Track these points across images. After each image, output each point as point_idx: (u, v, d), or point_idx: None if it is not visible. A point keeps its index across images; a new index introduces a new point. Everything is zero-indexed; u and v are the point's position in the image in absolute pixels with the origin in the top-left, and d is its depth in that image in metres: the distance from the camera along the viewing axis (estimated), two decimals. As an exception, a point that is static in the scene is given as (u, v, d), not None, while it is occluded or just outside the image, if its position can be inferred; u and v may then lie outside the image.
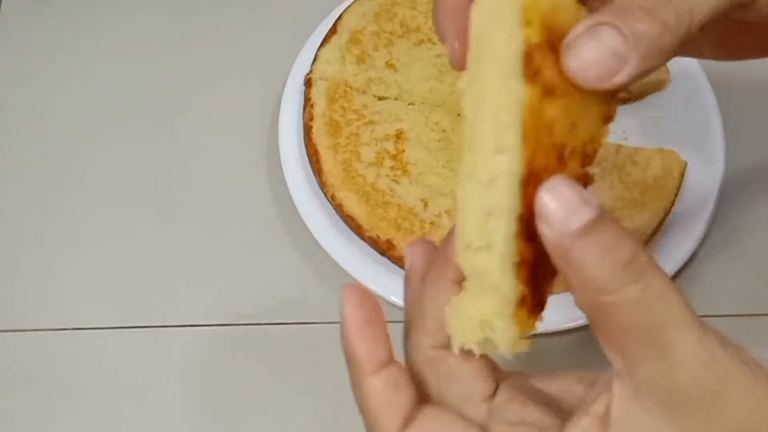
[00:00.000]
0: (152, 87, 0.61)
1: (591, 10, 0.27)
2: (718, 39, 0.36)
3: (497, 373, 0.30)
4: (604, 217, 0.24)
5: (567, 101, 0.26)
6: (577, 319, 0.47)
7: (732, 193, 0.55)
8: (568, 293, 0.26)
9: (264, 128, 0.59)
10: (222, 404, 0.50)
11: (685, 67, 0.57)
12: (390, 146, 0.54)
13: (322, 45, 0.58)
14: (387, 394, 0.28)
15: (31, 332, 0.52)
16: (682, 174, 0.53)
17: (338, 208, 0.52)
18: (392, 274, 0.51)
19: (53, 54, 0.63)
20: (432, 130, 0.55)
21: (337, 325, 0.53)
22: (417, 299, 0.30)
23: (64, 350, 0.52)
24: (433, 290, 0.29)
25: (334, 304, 0.52)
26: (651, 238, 0.51)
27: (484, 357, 0.29)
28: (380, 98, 0.56)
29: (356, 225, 0.52)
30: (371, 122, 0.55)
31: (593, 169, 0.27)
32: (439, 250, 0.30)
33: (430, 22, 0.59)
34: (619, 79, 0.25)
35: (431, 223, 0.52)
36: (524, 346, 0.27)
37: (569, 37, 0.25)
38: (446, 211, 0.52)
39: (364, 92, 0.57)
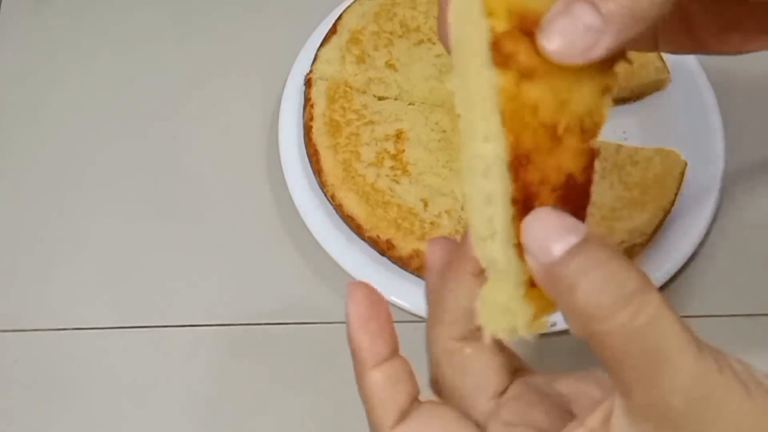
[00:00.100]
0: (152, 87, 0.61)
1: None
2: (722, 27, 0.36)
3: (520, 372, 0.30)
4: (589, 242, 0.24)
5: (552, 80, 0.26)
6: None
7: (732, 192, 0.55)
8: None
9: (264, 128, 0.59)
10: (221, 404, 0.50)
11: (685, 67, 0.57)
12: (390, 146, 0.54)
13: (322, 45, 0.58)
14: (386, 387, 0.28)
15: (31, 332, 0.53)
16: (682, 174, 0.53)
17: (338, 208, 0.52)
18: (392, 274, 0.51)
19: (53, 54, 0.63)
20: (432, 130, 0.55)
21: (338, 325, 0.53)
22: (436, 293, 0.30)
23: (64, 350, 0.52)
24: (450, 284, 0.29)
25: (334, 304, 0.52)
26: (651, 238, 0.51)
27: (502, 354, 0.29)
28: (380, 98, 0.56)
29: (356, 225, 0.52)
30: (371, 122, 0.55)
31: (596, 143, 0.27)
32: (458, 246, 0.30)
33: (430, 22, 0.59)
34: (597, 52, 0.25)
35: (431, 223, 0.52)
36: (543, 327, 0.28)
37: (544, 19, 0.26)
38: (446, 211, 0.52)
39: (364, 92, 0.57)
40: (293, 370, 0.51)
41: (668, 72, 0.57)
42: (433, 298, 0.31)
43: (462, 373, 0.29)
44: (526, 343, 0.27)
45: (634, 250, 0.50)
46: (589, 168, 0.27)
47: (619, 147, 0.54)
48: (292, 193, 0.54)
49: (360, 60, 0.58)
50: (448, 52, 0.31)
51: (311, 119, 0.55)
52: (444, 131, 0.55)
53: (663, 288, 0.51)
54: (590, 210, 0.27)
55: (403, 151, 0.54)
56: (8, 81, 0.62)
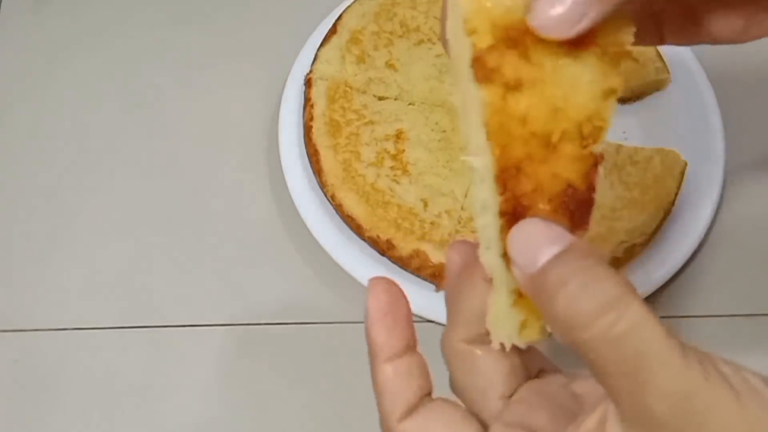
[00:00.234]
0: (152, 87, 0.61)
1: None
2: (725, 13, 0.36)
3: (543, 372, 0.31)
4: (571, 251, 0.25)
5: (544, 88, 0.26)
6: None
7: (732, 192, 0.55)
8: None
9: (264, 128, 0.59)
10: (222, 404, 0.50)
11: (685, 67, 0.57)
12: (390, 146, 0.54)
13: (322, 45, 0.58)
14: (396, 381, 0.28)
15: (31, 332, 0.52)
16: (682, 174, 0.53)
17: (338, 208, 0.52)
18: (392, 274, 0.51)
19: (53, 54, 0.63)
20: (432, 130, 0.55)
21: (338, 325, 0.54)
22: (452, 296, 0.31)
23: (64, 350, 0.52)
24: (465, 288, 0.30)
25: (334, 304, 0.52)
26: (651, 238, 0.51)
27: (514, 356, 0.30)
28: (380, 98, 0.56)
29: (356, 225, 0.52)
30: (371, 122, 0.55)
31: (599, 148, 0.27)
32: (476, 251, 0.31)
33: (430, 22, 0.59)
34: (585, 23, 0.26)
35: (431, 223, 0.52)
36: (532, 335, 0.28)
37: (533, 1, 0.26)
38: (446, 211, 0.52)
39: (364, 92, 0.57)
40: (293, 370, 0.51)
41: (668, 72, 0.57)
42: (449, 300, 0.31)
43: (472, 374, 0.30)
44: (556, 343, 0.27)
45: (634, 250, 0.50)
46: (590, 174, 0.27)
47: (619, 147, 0.54)
48: (292, 193, 0.54)
49: (360, 60, 0.58)
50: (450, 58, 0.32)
51: (311, 119, 0.55)
52: (444, 131, 0.55)
53: (663, 288, 0.51)
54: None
55: (403, 151, 0.54)
56: (8, 81, 0.62)
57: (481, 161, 0.26)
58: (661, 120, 0.57)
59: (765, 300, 0.52)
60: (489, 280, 0.29)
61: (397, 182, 0.53)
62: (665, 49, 0.57)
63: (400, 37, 0.59)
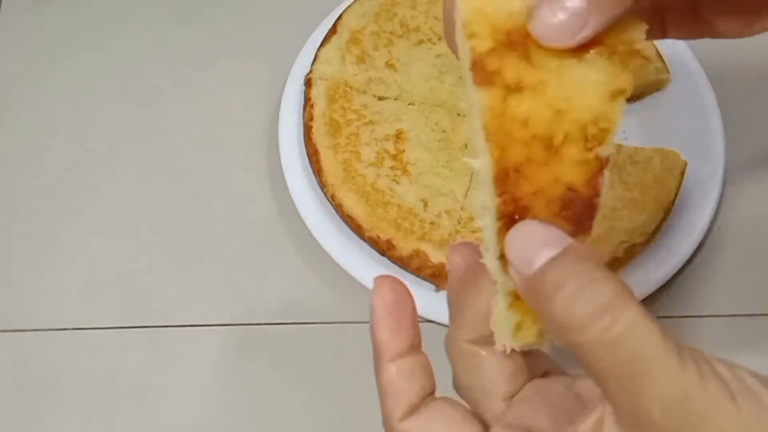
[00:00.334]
0: (152, 87, 0.61)
1: None
2: (728, 7, 0.35)
3: (548, 373, 0.31)
4: (567, 253, 0.25)
5: (546, 90, 0.26)
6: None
7: (732, 192, 0.55)
8: None
9: (264, 128, 0.59)
10: (221, 404, 0.50)
11: (685, 67, 0.57)
12: (390, 146, 0.54)
13: (322, 45, 0.58)
14: (399, 381, 0.29)
15: (31, 332, 0.52)
16: (682, 174, 0.53)
17: (338, 208, 0.52)
18: (392, 274, 0.51)
19: (53, 54, 0.63)
20: (432, 130, 0.55)
21: (338, 325, 0.54)
22: (456, 297, 0.31)
23: (64, 350, 0.52)
24: (469, 289, 0.30)
25: (334, 304, 0.52)
26: (651, 238, 0.51)
27: (518, 357, 0.30)
28: (380, 98, 0.56)
29: (356, 225, 0.52)
30: (371, 122, 0.55)
31: (605, 150, 0.26)
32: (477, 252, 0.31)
33: (430, 22, 0.59)
34: (586, 33, 0.26)
35: (431, 223, 0.52)
36: (529, 338, 0.28)
37: (534, 9, 0.26)
38: (446, 211, 0.52)
39: (364, 92, 0.57)
40: (293, 370, 0.51)
41: (668, 72, 0.57)
42: (453, 301, 0.31)
43: (476, 375, 0.30)
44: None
45: (634, 250, 0.50)
46: (595, 179, 0.26)
47: (619, 147, 0.54)
48: (292, 193, 0.54)
49: (360, 60, 0.58)
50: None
51: (311, 119, 0.55)
52: (444, 131, 0.55)
53: (663, 288, 0.51)
54: None
55: (403, 151, 0.54)
56: (8, 81, 0.62)
57: (481, 163, 0.26)
58: (661, 120, 0.57)
59: (765, 300, 0.52)
60: (495, 282, 0.29)
61: (397, 182, 0.53)
62: (665, 49, 0.57)
63: (400, 37, 0.59)
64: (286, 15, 0.63)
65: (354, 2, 0.60)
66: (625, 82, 0.26)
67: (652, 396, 0.23)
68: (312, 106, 0.56)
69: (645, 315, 0.23)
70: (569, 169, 0.26)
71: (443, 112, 0.56)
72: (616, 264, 0.50)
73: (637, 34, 0.27)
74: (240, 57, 0.62)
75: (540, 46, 0.26)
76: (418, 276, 0.51)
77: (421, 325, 0.30)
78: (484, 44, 0.26)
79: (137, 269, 0.54)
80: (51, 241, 0.55)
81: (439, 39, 0.58)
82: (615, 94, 0.26)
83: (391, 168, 0.54)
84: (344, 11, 0.59)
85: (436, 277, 0.50)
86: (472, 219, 0.52)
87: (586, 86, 0.26)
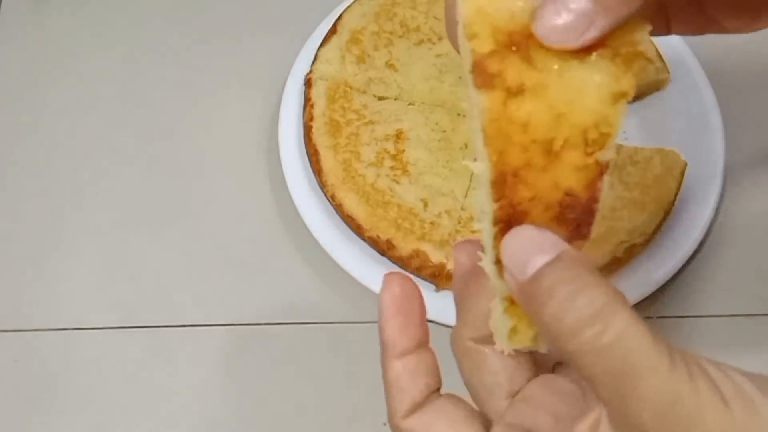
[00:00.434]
0: (152, 87, 0.61)
1: None
2: (732, 3, 0.35)
3: (557, 368, 0.31)
4: (560, 260, 0.25)
5: (547, 93, 0.26)
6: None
7: (732, 192, 0.55)
8: None
9: (264, 128, 0.59)
10: (221, 404, 0.50)
11: (685, 67, 0.57)
12: (390, 146, 0.54)
13: (322, 45, 0.58)
14: (403, 378, 0.29)
15: (31, 332, 0.53)
16: (682, 174, 0.53)
17: (338, 208, 0.52)
18: (392, 274, 0.51)
19: (53, 54, 0.63)
20: (432, 130, 0.55)
21: (338, 325, 0.54)
22: (460, 295, 0.31)
23: (64, 350, 0.52)
24: (473, 288, 0.30)
25: (333, 304, 0.52)
26: (651, 238, 0.51)
27: (521, 355, 0.30)
28: (380, 98, 0.56)
29: (356, 225, 0.52)
30: (371, 122, 0.55)
31: (606, 155, 0.26)
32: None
33: (431, 22, 0.59)
34: (592, 34, 0.25)
35: (431, 223, 0.52)
36: (524, 342, 0.28)
37: (538, 9, 0.26)
38: (446, 211, 0.52)
39: (364, 92, 0.57)
40: (293, 370, 0.51)
41: (668, 72, 0.57)
42: (458, 299, 0.31)
43: (480, 373, 0.30)
44: None
45: (634, 250, 0.50)
46: (594, 184, 0.26)
47: (619, 147, 0.54)
48: (292, 193, 0.54)
49: (360, 60, 0.58)
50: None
51: (311, 119, 0.55)
52: (444, 131, 0.55)
53: (663, 288, 0.51)
54: None
55: (403, 151, 0.54)
56: (8, 81, 0.62)
57: (480, 166, 0.26)
58: (661, 120, 0.57)
59: (765, 300, 0.52)
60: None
61: (397, 182, 0.53)
62: (665, 49, 0.57)
63: (400, 37, 0.59)
64: (286, 15, 0.63)
65: (354, 2, 0.60)
66: (628, 85, 0.26)
67: (643, 400, 0.23)
68: (312, 106, 0.56)
69: (636, 320, 0.24)
70: (568, 174, 0.26)
71: (443, 112, 0.56)
72: (616, 264, 0.50)
73: (641, 35, 0.26)
74: (240, 57, 0.62)
75: (542, 47, 0.26)
76: (418, 276, 0.51)
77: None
78: (485, 46, 0.26)
79: (137, 269, 0.54)
80: (51, 241, 0.55)
81: (439, 39, 0.58)
82: (617, 97, 0.26)
83: (391, 168, 0.54)
84: (344, 11, 0.59)
85: (436, 277, 0.50)
86: (472, 219, 0.52)
87: (588, 89, 0.26)
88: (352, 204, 0.52)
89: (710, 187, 0.53)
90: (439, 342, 0.31)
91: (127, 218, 0.56)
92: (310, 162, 0.54)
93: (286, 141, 0.56)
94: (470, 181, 0.53)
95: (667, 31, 0.37)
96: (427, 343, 0.30)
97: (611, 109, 0.26)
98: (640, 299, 0.50)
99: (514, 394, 0.30)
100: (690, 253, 0.51)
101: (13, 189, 0.57)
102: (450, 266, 0.50)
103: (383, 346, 0.30)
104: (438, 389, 0.30)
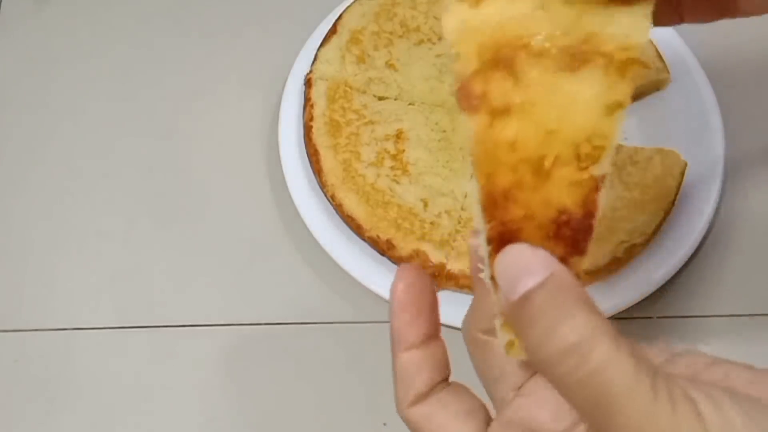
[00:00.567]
0: (152, 87, 0.61)
1: None
2: None
3: None
4: (545, 286, 0.24)
5: (536, 110, 0.25)
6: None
7: (732, 192, 0.55)
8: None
9: (264, 128, 0.59)
10: (221, 404, 0.50)
11: (685, 67, 0.57)
12: (390, 146, 0.54)
13: (322, 45, 0.58)
14: (410, 370, 0.29)
15: (31, 332, 0.53)
16: (682, 174, 0.53)
17: (338, 208, 0.52)
18: (392, 274, 0.50)
19: (53, 54, 0.63)
20: (432, 130, 0.55)
21: (338, 325, 0.54)
22: (474, 285, 0.31)
23: (64, 350, 0.52)
24: (482, 286, 0.30)
25: (333, 304, 0.52)
26: (651, 238, 0.51)
27: None
28: (380, 98, 0.56)
29: (356, 225, 0.52)
30: (371, 122, 0.55)
31: (601, 169, 0.25)
32: None
33: (430, 22, 0.59)
34: None
35: (431, 223, 0.52)
36: (521, 354, 0.28)
37: None
38: (446, 211, 0.52)
39: (364, 92, 0.57)
40: (293, 370, 0.51)
41: (668, 72, 0.57)
42: (474, 288, 0.32)
43: (487, 363, 0.31)
44: None
45: (634, 250, 0.50)
46: (589, 199, 0.25)
47: (619, 147, 0.54)
48: (292, 193, 0.54)
49: (360, 60, 0.58)
50: None
51: (311, 119, 0.55)
52: (444, 131, 0.55)
53: (663, 288, 0.51)
54: None
55: (403, 151, 0.54)
56: (8, 81, 0.62)
57: (473, 185, 0.26)
58: (661, 120, 0.57)
59: (765, 300, 0.52)
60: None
61: (397, 182, 0.53)
62: (665, 49, 0.57)
63: (400, 37, 0.59)
64: (286, 15, 0.63)
65: (354, 2, 0.60)
66: (623, 94, 0.25)
67: (622, 429, 0.23)
68: (312, 106, 0.56)
69: (617, 350, 0.23)
70: (561, 191, 0.25)
71: (443, 112, 0.56)
72: (616, 264, 0.50)
73: (639, 35, 0.25)
74: (240, 57, 0.62)
75: (532, 61, 0.25)
76: (418, 276, 0.51)
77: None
78: (468, 66, 0.25)
79: (137, 269, 0.54)
80: (51, 240, 0.55)
81: (439, 39, 0.58)
82: (611, 108, 0.25)
83: (391, 168, 0.54)
84: (344, 11, 0.59)
85: (436, 277, 0.50)
86: (472, 219, 0.52)
87: (579, 103, 0.25)
88: (352, 204, 0.52)
89: (710, 187, 0.53)
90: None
91: (127, 218, 0.56)
92: (310, 162, 0.54)
93: (286, 141, 0.56)
94: (471, 179, 0.53)
95: (680, 20, 0.36)
96: (437, 335, 0.30)
97: (605, 121, 0.25)
98: (640, 299, 0.50)
99: (520, 386, 0.30)
100: (690, 253, 0.51)
101: (13, 189, 0.57)
102: (450, 266, 0.50)
103: (392, 337, 0.30)
104: (446, 379, 0.30)
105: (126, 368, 0.51)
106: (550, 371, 0.24)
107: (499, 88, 0.25)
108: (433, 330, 0.30)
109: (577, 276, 0.26)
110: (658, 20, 0.27)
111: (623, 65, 0.25)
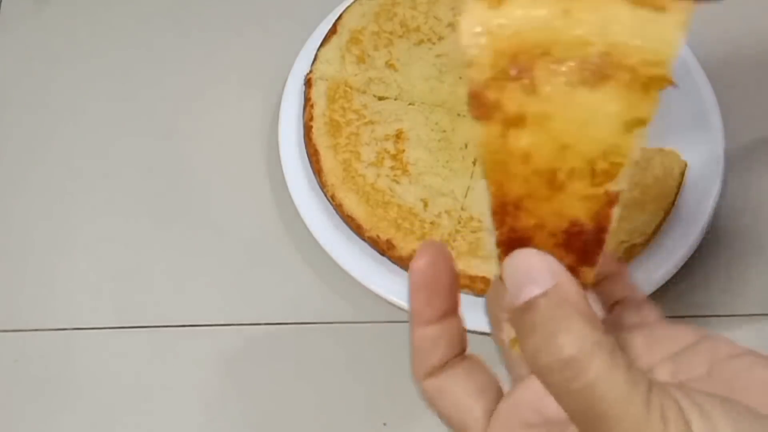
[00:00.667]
0: (152, 88, 0.61)
1: None
2: None
3: (617, 303, 0.32)
4: (549, 297, 0.25)
5: (551, 123, 0.24)
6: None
7: (732, 192, 0.55)
8: None
9: (264, 128, 0.59)
10: (221, 404, 0.50)
11: (684, 66, 0.57)
12: (390, 146, 0.54)
13: (322, 45, 0.58)
14: (425, 345, 0.30)
15: (31, 332, 0.52)
16: (682, 174, 0.53)
17: (338, 208, 0.52)
18: (392, 274, 0.51)
19: (53, 54, 0.63)
20: (432, 130, 0.55)
21: (338, 325, 0.54)
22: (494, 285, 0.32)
23: (64, 350, 0.52)
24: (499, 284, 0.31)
25: (334, 304, 0.52)
26: (651, 238, 0.51)
27: None
28: (380, 98, 0.56)
29: (356, 225, 0.52)
30: (371, 122, 0.55)
31: (617, 186, 0.24)
32: None
33: (431, 22, 0.59)
34: None
35: (431, 223, 0.52)
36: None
37: None
38: (446, 211, 0.52)
39: (364, 92, 0.57)
40: (293, 370, 0.51)
41: (668, 72, 0.57)
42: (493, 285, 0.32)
43: (506, 346, 0.31)
44: None
45: (634, 250, 0.50)
46: (602, 212, 0.25)
47: (619, 147, 0.54)
48: (292, 193, 0.54)
49: (360, 60, 0.58)
50: None
51: (311, 119, 0.55)
52: (444, 131, 0.55)
53: (663, 288, 0.51)
54: None
55: (403, 151, 0.54)
56: (8, 81, 0.62)
57: (482, 187, 0.26)
58: (661, 120, 0.56)
59: (765, 300, 0.52)
60: None
61: (397, 182, 0.53)
62: (665, 49, 0.57)
63: (400, 37, 0.59)
64: (286, 15, 0.63)
65: (354, 2, 0.60)
66: (645, 111, 0.24)
67: None
68: (312, 106, 0.56)
69: (612, 365, 0.24)
70: (574, 204, 0.25)
71: (443, 112, 0.56)
72: (616, 264, 0.50)
73: (669, 49, 0.24)
74: (240, 57, 0.62)
75: (551, 71, 0.24)
76: (418, 276, 0.51)
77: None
78: (483, 72, 0.24)
79: (137, 269, 0.54)
80: (50, 241, 0.55)
81: (439, 39, 0.58)
82: (631, 125, 0.24)
83: (391, 168, 0.54)
84: (344, 11, 0.59)
85: (436, 277, 0.50)
86: (472, 219, 0.52)
87: (597, 118, 0.24)
88: (352, 204, 0.52)
89: (710, 188, 0.53)
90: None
91: (127, 218, 0.56)
92: (310, 162, 0.54)
93: (286, 141, 0.56)
94: (470, 180, 0.53)
95: None
96: (455, 311, 0.30)
97: (624, 137, 0.24)
98: (640, 299, 0.50)
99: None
100: (690, 253, 0.51)
101: (13, 189, 0.57)
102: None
103: (411, 313, 0.30)
104: (462, 353, 0.30)
105: (126, 368, 0.51)
106: (546, 379, 0.24)
107: (514, 98, 0.24)
108: (452, 307, 0.30)
109: (585, 286, 0.25)
110: None
111: (648, 82, 0.24)
